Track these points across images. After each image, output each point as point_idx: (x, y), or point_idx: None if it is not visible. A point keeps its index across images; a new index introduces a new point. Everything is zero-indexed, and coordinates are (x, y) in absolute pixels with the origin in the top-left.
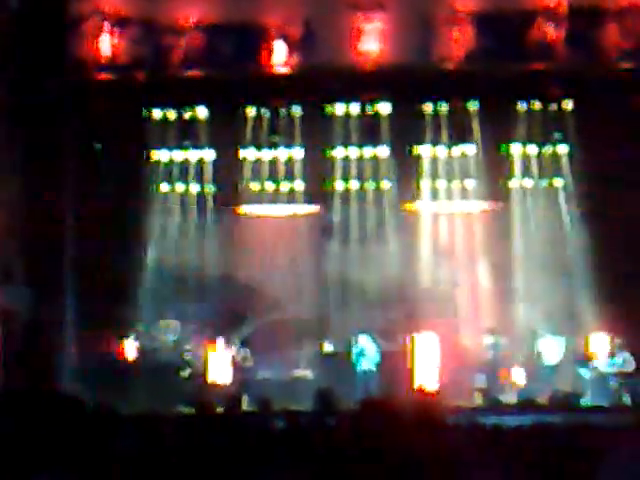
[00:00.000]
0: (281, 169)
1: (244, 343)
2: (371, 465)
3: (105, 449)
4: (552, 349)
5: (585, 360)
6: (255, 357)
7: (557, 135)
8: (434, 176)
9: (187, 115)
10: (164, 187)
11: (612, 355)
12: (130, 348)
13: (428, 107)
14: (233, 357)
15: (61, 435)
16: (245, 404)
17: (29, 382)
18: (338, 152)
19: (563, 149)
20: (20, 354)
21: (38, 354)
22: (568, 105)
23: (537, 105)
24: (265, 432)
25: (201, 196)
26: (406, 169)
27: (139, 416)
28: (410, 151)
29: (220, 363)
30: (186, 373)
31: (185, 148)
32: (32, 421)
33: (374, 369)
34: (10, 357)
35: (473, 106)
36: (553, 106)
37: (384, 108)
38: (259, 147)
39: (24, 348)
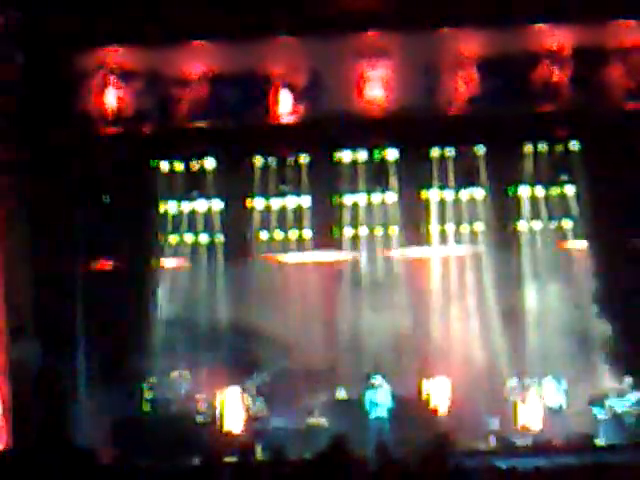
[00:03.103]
0: (290, 217)
1: (257, 392)
2: None
3: None
4: (556, 392)
5: (598, 400)
6: (268, 406)
7: (564, 176)
8: (443, 220)
9: (195, 166)
10: (173, 238)
11: (625, 394)
12: (143, 399)
13: (435, 152)
14: (246, 406)
15: None
16: (259, 453)
17: (41, 435)
18: (346, 199)
19: (571, 190)
20: (31, 406)
21: (50, 406)
22: (575, 146)
23: (544, 147)
24: None
25: (211, 246)
26: (415, 214)
27: (154, 467)
28: (418, 196)
29: (233, 412)
30: (200, 423)
31: (193, 199)
32: (45, 474)
33: (387, 415)
34: (22, 409)
35: (480, 149)
36: (560, 147)
37: (391, 154)
38: (267, 196)
39: (36, 400)
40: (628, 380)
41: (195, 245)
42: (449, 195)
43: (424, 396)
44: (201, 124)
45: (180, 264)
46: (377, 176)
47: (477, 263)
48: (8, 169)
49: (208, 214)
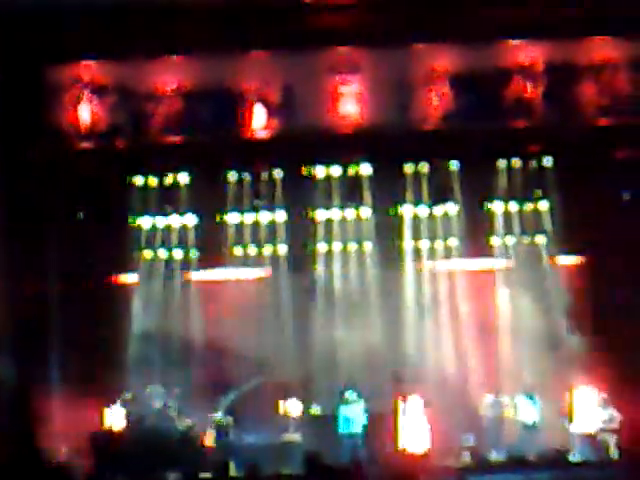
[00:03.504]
0: (263, 232)
1: (229, 408)
2: None
3: None
4: (530, 408)
5: (572, 416)
6: (242, 422)
7: (538, 192)
8: (416, 236)
9: (168, 181)
10: (147, 253)
11: (598, 411)
12: (117, 415)
13: (409, 167)
14: (220, 422)
15: None
16: (233, 469)
17: (15, 450)
18: (320, 214)
19: (544, 205)
20: (6, 422)
21: (24, 422)
22: (548, 162)
23: (517, 162)
24: None
25: (184, 261)
26: (388, 229)
27: None
28: (392, 211)
29: (208, 428)
30: (174, 439)
31: (167, 214)
32: None
33: (360, 431)
34: None
35: (453, 165)
36: (533, 163)
37: (365, 169)
38: (241, 211)
39: (10, 416)
40: (602, 396)
41: (169, 260)
42: (423, 211)
43: (398, 412)
44: (175, 139)
45: (154, 280)
46: (351, 191)
47: (451, 279)
48: None
49: (182, 229)
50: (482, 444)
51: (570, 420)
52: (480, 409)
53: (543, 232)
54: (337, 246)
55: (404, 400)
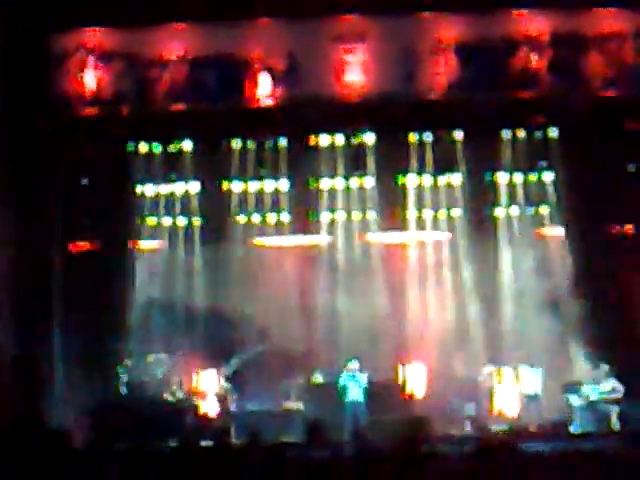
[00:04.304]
0: (267, 201)
1: (231, 375)
2: None
3: None
4: (532, 379)
5: (573, 387)
6: (244, 389)
7: (542, 163)
8: (420, 205)
9: (172, 148)
10: (151, 220)
11: (600, 381)
12: (119, 382)
13: (413, 137)
14: (222, 390)
15: (47, 470)
16: (234, 437)
17: (17, 417)
18: (324, 183)
19: (549, 176)
20: (8, 389)
21: (26, 389)
22: (553, 133)
23: (522, 133)
24: (255, 465)
25: (188, 228)
26: (392, 199)
27: (128, 450)
28: (396, 181)
29: (209, 396)
30: (176, 406)
31: (171, 181)
32: (19, 456)
33: (363, 400)
34: None
35: (458, 135)
36: (538, 134)
37: (369, 139)
38: (245, 179)
39: (12, 383)
40: (603, 367)
41: (172, 228)
42: (427, 180)
43: (400, 381)
44: (179, 106)
45: (157, 247)
46: (355, 160)
47: (454, 248)
48: None
49: (186, 197)
50: (483, 414)
51: (571, 391)
52: (480, 378)
53: (547, 203)
54: (341, 215)
55: (406, 368)
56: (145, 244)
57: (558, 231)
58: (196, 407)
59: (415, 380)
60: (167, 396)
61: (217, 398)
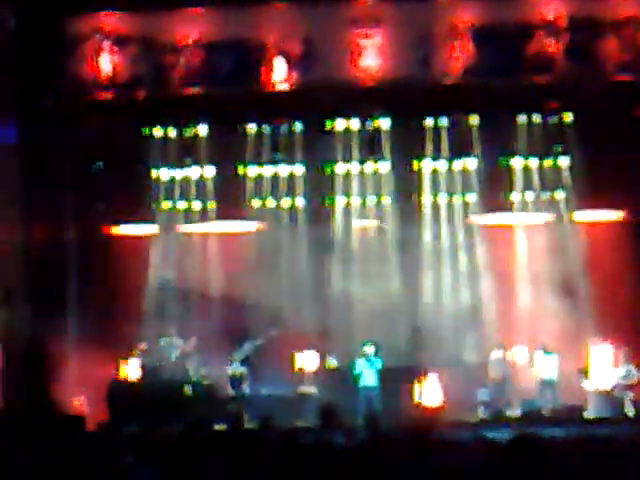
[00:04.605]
0: (282, 185)
1: (245, 360)
2: None
3: (105, 468)
4: (548, 364)
5: (588, 372)
6: (257, 373)
7: (558, 147)
8: (435, 190)
9: (188, 133)
10: (165, 204)
11: (616, 367)
12: (133, 366)
13: (428, 121)
14: (236, 374)
15: (61, 453)
16: (248, 421)
17: (30, 400)
18: (339, 168)
19: (564, 161)
20: (21, 371)
21: (40, 372)
22: (568, 117)
23: (537, 118)
24: (268, 449)
25: (203, 213)
26: (407, 184)
27: (141, 434)
28: (411, 166)
29: (224, 380)
30: (189, 390)
31: (186, 165)
32: (32, 439)
33: (376, 385)
34: (11, 374)
35: (473, 120)
36: (553, 119)
37: (384, 123)
38: (260, 163)
39: (26, 367)
40: (620, 352)
41: (187, 212)
42: (442, 165)
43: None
44: (195, 91)
45: (172, 231)
46: (370, 145)
47: (469, 233)
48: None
49: (200, 181)
50: (497, 399)
51: (586, 376)
52: (490, 364)
53: (562, 188)
54: (355, 200)
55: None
56: (159, 227)
57: (573, 215)
58: (210, 391)
59: (429, 366)
60: (181, 380)
61: (231, 382)
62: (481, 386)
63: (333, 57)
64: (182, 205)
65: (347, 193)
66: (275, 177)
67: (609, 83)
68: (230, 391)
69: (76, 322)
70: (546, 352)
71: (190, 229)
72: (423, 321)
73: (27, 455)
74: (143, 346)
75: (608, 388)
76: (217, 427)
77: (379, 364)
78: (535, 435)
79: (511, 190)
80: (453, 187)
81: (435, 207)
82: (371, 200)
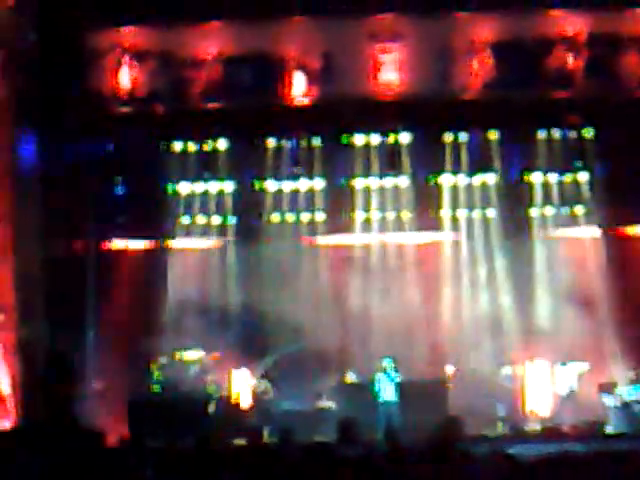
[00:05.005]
0: (302, 200)
1: (265, 374)
2: None
3: None
4: (566, 377)
5: (609, 388)
6: (277, 388)
7: (578, 163)
8: (455, 205)
9: (207, 147)
10: (185, 219)
11: (636, 382)
12: (154, 379)
13: (448, 136)
14: (256, 388)
15: (80, 467)
16: (267, 436)
17: (49, 414)
18: (358, 182)
19: (584, 177)
20: (40, 386)
21: (59, 386)
22: (589, 133)
23: (557, 133)
24: (288, 464)
25: (222, 227)
26: (427, 199)
27: (161, 449)
28: (431, 181)
29: (243, 395)
30: (211, 406)
31: (205, 180)
32: (52, 452)
33: (396, 399)
34: (30, 389)
35: (493, 135)
36: (573, 134)
37: (404, 138)
38: (279, 178)
39: (45, 380)
40: (638, 369)
41: (207, 226)
42: (462, 180)
43: (432, 380)
44: (214, 105)
45: (192, 245)
46: (390, 160)
47: (488, 249)
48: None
49: (220, 195)
50: (515, 414)
51: (607, 392)
52: (502, 378)
53: (582, 203)
54: (375, 215)
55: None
56: (179, 243)
57: (593, 231)
58: (230, 405)
59: (449, 379)
60: (201, 394)
61: (251, 397)
62: (498, 400)
63: (352, 72)
64: (201, 220)
65: (367, 208)
66: (295, 192)
67: (630, 98)
68: (250, 406)
69: (95, 336)
70: (565, 366)
71: (208, 244)
72: (441, 337)
73: (46, 467)
74: (163, 360)
75: (628, 403)
76: (236, 441)
77: (398, 379)
78: (559, 455)
79: (530, 205)
80: (472, 202)
81: (455, 221)
82: (390, 215)
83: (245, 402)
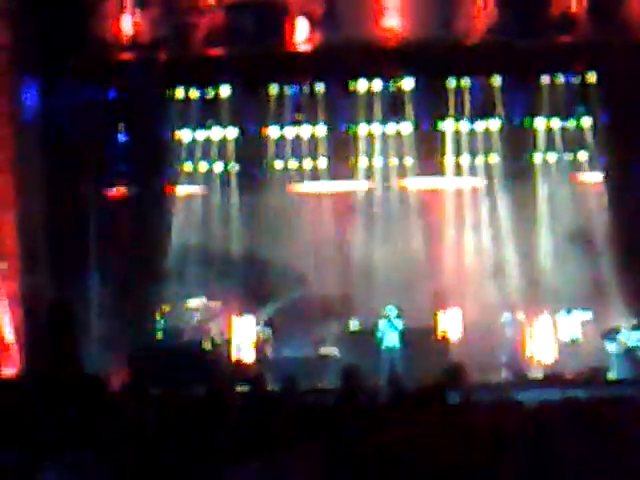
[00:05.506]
0: (304, 146)
1: (267, 321)
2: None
3: (127, 428)
4: (570, 324)
5: (611, 334)
6: (280, 335)
7: (581, 108)
8: (458, 151)
9: (210, 94)
10: (187, 166)
11: (638, 328)
12: (156, 327)
13: (451, 82)
14: (258, 336)
15: (84, 415)
16: (270, 382)
17: (54, 363)
18: (361, 129)
19: (587, 122)
20: (43, 334)
21: (63, 334)
22: (592, 78)
23: (560, 78)
24: (290, 410)
25: (225, 174)
26: (430, 145)
27: (164, 395)
28: (434, 127)
29: (245, 342)
30: (212, 352)
31: (208, 127)
32: (56, 401)
33: (399, 346)
34: (34, 337)
35: (496, 80)
36: (577, 79)
37: (407, 84)
38: (282, 125)
39: (48, 329)
40: None
41: (209, 173)
42: (464, 126)
43: (437, 327)
44: (217, 51)
45: (194, 192)
46: (392, 106)
47: (491, 194)
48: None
49: (223, 142)
50: (518, 361)
51: (609, 338)
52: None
53: (585, 149)
54: (378, 161)
55: (443, 315)
56: (182, 190)
57: (596, 177)
58: (232, 353)
59: (451, 327)
60: (204, 342)
61: (254, 344)
62: (501, 347)
63: (355, 17)
64: (204, 167)
65: (369, 154)
66: (297, 138)
67: (634, 42)
68: (253, 353)
69: (98, 284)
70: (568, 313)
71: (212, 191)
72: (444, 283)
73: (50, 413)
74: (166, 308)
75: (630, 349)
76: (238, 389)
77: (401, 325)
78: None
79: (533, 151)
80: (475, 148)
81: (458, 168)
82: (393, 161)
83: (247, 349)
